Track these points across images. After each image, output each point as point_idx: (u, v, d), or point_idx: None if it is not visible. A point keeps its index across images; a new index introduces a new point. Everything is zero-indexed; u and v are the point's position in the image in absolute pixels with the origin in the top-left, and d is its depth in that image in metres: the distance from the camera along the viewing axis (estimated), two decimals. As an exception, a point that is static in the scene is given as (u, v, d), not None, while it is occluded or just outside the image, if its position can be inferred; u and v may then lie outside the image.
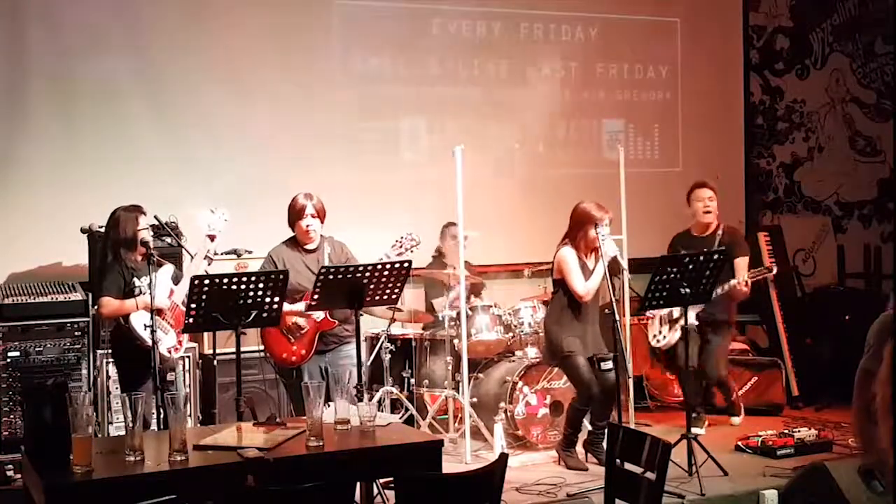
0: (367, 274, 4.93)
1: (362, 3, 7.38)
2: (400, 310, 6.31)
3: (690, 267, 5.50)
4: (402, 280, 5.05)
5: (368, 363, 6.33)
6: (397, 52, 7.51)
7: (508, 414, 6.17)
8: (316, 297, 4.93)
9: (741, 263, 6.47)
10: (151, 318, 4.92)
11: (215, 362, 5.98)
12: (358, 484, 4.08)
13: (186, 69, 6.83)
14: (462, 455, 5.93)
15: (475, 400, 6.24)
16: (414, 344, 6.66)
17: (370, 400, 4.58)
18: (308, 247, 5.52)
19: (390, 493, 4.60)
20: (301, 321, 5.39)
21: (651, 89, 8.38)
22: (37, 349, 5.73)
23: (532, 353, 6.52)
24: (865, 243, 9.19)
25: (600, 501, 3.91)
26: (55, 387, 3.88)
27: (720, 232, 6.55)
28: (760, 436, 6.06)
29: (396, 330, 6.67)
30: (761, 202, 8.98)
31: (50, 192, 6.48)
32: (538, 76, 7.96)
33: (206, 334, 6.09)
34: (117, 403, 5.88)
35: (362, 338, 5.40)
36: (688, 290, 5.47)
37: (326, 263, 5.29)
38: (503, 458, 3.44)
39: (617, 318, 5.44)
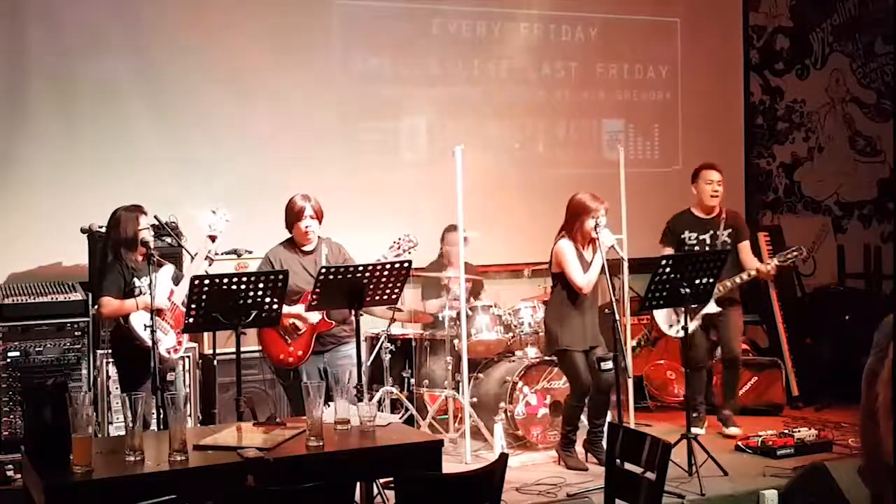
0: (367, 274, 4.93)
1: (362, 3, 7.38)
2: (400, 310, 6.31)
3: (689, 267, 5.50)
4: (401, 280, 5.05)
5: (368, 363, 6.33)
6: (397, 52, 7.51)
7: (508, 414, 6.17)
8: (316, 297, 4.93)
9: (746, 247, 6.51)
10: (151, 319, 4.91)
11: (215, 362, 5.98)
12: (358, 484, 4.08)
13: (186, 69, 6.83)
14: (462, 455, 5.93)
15: (475, 400, 6.24)
16: (414, 344, 6.65)
17: (370, 400, 4.58)
18: (306, 248, 5.52)
19: (390, 493, 4.60)
20: (299, 323, 5.38)
21: (651, 89, 8.38)
22: (37, 349, 5.73)
23: (532, 353, 6.52)
24: (865, 243, 9.18)
25: (600, 501, 3.91)
26: (55, 387, 3.88)
27: (724, 216, 6.54)
28: (760, 436, 6.05)
29: (396, 330, 6.67)
30: (761, 202, 8.98)
31: (50, 192, 6.47)
32: (538, 76, 7.96)
33: (206, 334, 6.09)
34: (117, 403, 5.87)
35: (362, 338, 5.39)
36: (688, 290, 5.47)
37: (324, 265, 5.28)
38: (503, 458, 3.43)
39: (617, 317, 5.44)
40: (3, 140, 6.43)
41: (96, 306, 5.40)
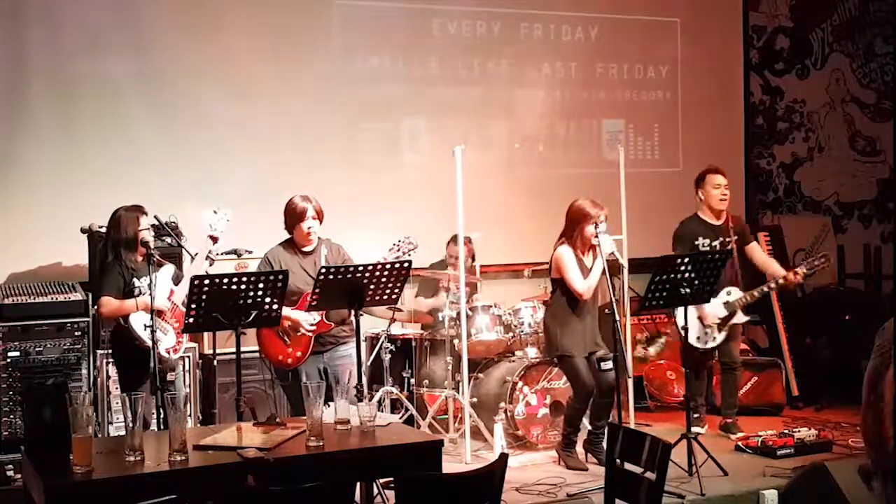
0: (367, 274, 4.93)
1: (362, 3, 7.38)
2: (400, 310, 6.31)
3: (690, 268, 5.51)
4: (401, 280, 5.05)
5: (368, 363, 6.33)
6: (397, 52, 7.51)
7: (508, 414, 6.17)
8: (315, 297, 4.92)
9: (757, 247, 6.57)
10: (151, 319, 4.91)
11: (215, 362, 5.98)
12: (358, 484, 4.08)
13: (186, 69, 6.83)
14: (462, 455, 5.93)
15: (475, 400, 6.24)
16: (414, 344, 6.65)
17: (370, 400, 4.58)
18: (306, 249, 5.51)
19: (390, 493, 4.60)
20: (304, 323, 5.38)
21: (651, 89, 8.38)
22: (37, 349, 5.73)
23: (532, 353, 6.52)
24: (865, 243, 9.18)
25: (600, 501, 3.90)
26: (55, 387, 3.88)
27: (731, 222, 6.54)
28: (760, 436, 6.05)
29: (396, 330, 6.67)
30: (761, 202, 8.98)
31: (50, 192, 6.47)
32: (538, 76, 7.96)
33: (206, 334, 6.09)
34: (117, 403, 5.87)
35: (362, 338, 5.39)
36: (688, 290, 5.48)
37: (324, 265, 5.27)
38: (503, 458, 3.43)
39: (617, 318, 5.44)
40: (3, 140, 6.43)
41: (96, 306, 5.40)
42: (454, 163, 6.00)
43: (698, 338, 6.33)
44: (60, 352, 5.77)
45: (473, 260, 6.88)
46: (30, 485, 3.75)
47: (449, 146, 6.16)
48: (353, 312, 5.13)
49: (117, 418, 5.87)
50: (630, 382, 6.37)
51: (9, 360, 5.68)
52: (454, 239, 6.53)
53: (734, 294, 6.34)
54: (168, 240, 5.86)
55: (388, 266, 5.00)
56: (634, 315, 7.00)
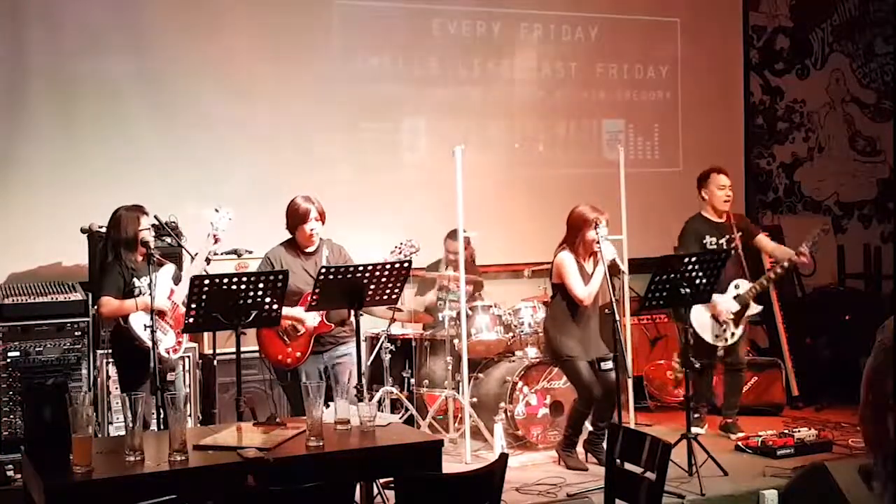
0: (367, 274, 4.93)
1: (362, 3, 7.38)
2: (400, 310, 6.31)
3: (697, 267, 5.52)
4: (402, 280, 5.05)
5: (368, 363, 6.33)
6: (397, 52, 7.51)
7: (508, 414, 6.17)
8: (316, 297, 4.92)
9: (764, 238, 6.59)
10: (151, 319, 4.91)
11: (215, 362, 5.98)
12: (358, 484, 4.08)
13: (186, 69, 6.83)
14: (462, 455, 5.93)
15: (475, 400, 6.24)
16: (414, 344, 6.65)
17: (370, 400, 4.57)
18: (307, 250, 5.51)
19: (390, 493, 4.60)
20: (298, 325, 5.37)
21: (651, 89, 8.38)
22: (37, 349, 5.72)
23: (532, 353, 6.52)
24: (865, 243, 9.18)
25: (600, 501, 3.90)
26: (55, 387, 3.88)
27: (732, 220, 6.54)
28: (760, 436, 6.06)
29: (396, 330, 6.67)
30: (761, 202, 8.98)
31: (50, 192, 6.47)
32: (538, 76, 7.96)
33: (206, 334, 6.09)
34: (117, 403, 5.87)
35: (362, 338, 5.39)
36: (688, 290, 5.48)
37: (324, 265, 5.27)
38: (503, 458, 3.43)
39: (617, 318, 5.44)
40: (3, 140, 6.43)
41: (96, 306, 5.39)
42: (454, 163, 6.00)
43: (717, 336, 6.36)
44: (60, 352, 5.77)
45: (474, 262, 6.88)
46: (30, 485, 3.75)
47: (449, 146, 6.16)
48: (352, 313, 5.13)
49: (117, 418, 5.88)
50: (630, 382, 6.37)
51: (9, 360, 5.68)
52: (451, 234, 6.54)
53: (743, 286, 6.36)
54: (168, 240, 5.86)
55: (388, 266, 5.00)
56: (634, 315, 6.99)
